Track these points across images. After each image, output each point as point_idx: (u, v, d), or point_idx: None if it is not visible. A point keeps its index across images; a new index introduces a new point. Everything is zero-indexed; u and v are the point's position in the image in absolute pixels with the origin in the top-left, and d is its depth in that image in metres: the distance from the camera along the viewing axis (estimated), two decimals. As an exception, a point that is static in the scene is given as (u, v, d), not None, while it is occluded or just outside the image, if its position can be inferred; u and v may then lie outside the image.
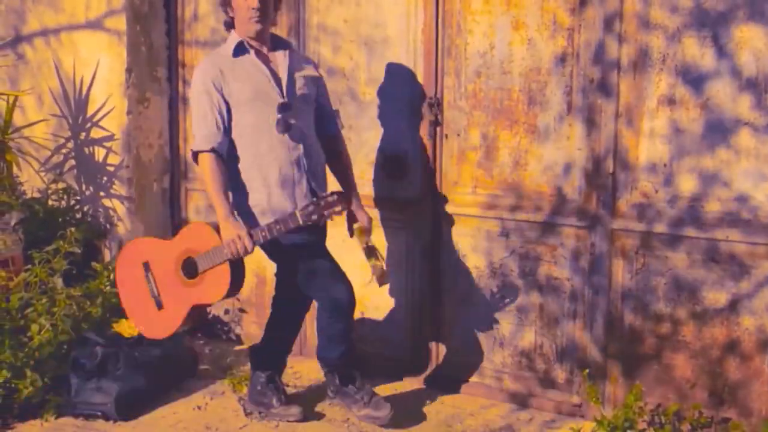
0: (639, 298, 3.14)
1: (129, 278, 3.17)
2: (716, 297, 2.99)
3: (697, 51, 2.94)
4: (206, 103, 3.02)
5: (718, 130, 2.94)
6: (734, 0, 2.86)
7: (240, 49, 3.08)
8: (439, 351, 3.63)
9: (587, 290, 3.24)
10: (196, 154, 3.04)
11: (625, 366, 3.19)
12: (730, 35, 2.88)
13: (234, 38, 3.09)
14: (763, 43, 2.83)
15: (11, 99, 4.28)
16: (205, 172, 2.99)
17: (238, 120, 3.05)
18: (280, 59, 3.11)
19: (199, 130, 3.02)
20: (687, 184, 3.01)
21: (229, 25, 3.14)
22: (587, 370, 3.15)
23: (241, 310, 4.18)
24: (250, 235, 2.89)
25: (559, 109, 3.23)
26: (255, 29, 3.04)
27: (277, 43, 3.17)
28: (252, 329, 4.14)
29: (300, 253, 3.08)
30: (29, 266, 3.73)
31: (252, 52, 3.08)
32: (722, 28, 2.89)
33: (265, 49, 3.12)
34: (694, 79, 2.96)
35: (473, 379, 3.55)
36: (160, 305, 3.09)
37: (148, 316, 3.14)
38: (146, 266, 3.12)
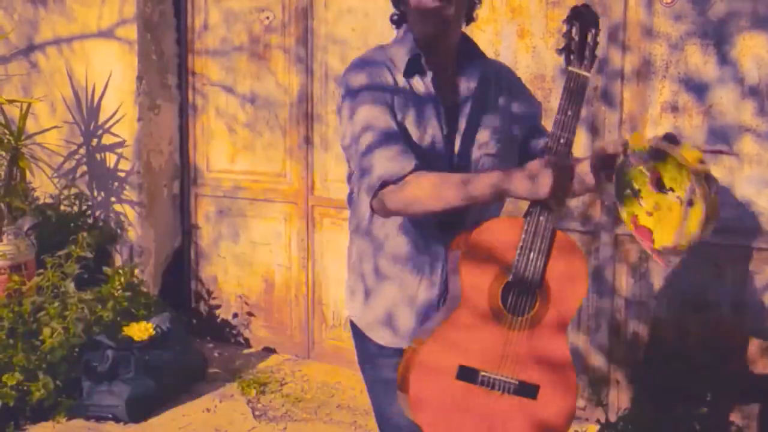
0: (642, 303, 3.16)
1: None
2: (720, 302, 3.01)
3: (700, 59, 2.97)
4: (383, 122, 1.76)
5: (721, 137, 2.96)
6: (737, 8, 2.90)
7: (414, 67, 1.81)
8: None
9: (591, 296, 3.26)
10: (378, 193, 1.75)
11: (629, 371, 3.21)
12: (733, 43, 2.91)
13: (406, 42, 1.83)
14: (766, 51, 2.86)
15: (24, 106, 4.33)
16: (423, 191, 1.70)
17: None
18: (464, 91, 1.85)
19: (380, 156, 1.73)
20: (690, 191, 3.04)
21: (399, 21, 1.90)
22: (591, 375, 3.17)
23: (250, 314, 4.22)
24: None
25: (563, 117, 3.25)
26: (425, 33, 1.80)
27: (467, 56, 1.89)
28: (261, 333, 4.18)
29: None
30: (42, 271, 3.79)
31: (429, 76, 1.81)
32: (725, 36, 2.92)
33: (449, 68, 1.86)
34: (697, 87, 2.99)
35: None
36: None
37: None
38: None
